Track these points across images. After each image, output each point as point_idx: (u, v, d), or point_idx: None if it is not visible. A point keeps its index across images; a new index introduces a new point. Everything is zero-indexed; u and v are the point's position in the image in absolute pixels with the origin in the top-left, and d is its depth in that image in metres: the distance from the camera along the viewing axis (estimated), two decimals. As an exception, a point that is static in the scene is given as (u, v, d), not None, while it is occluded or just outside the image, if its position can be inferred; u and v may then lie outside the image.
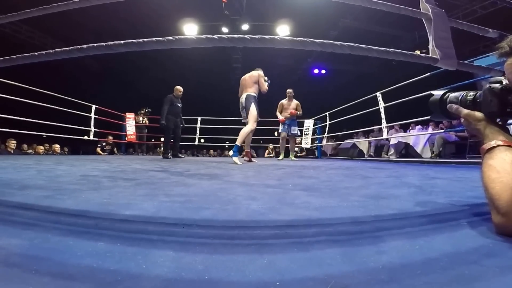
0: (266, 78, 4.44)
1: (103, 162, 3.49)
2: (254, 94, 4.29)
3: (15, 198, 1.02)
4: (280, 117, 5.80)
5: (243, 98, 4.29)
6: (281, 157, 5.99)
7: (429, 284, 0.41)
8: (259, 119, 4.30)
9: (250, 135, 4.36)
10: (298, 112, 5.83)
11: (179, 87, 6.09)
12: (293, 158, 6.10)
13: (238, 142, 3.95)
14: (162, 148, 10.23)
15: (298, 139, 9.19)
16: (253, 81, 4.32)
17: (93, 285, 0.40)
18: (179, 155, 6.31)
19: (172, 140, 6.11)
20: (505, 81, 0.75)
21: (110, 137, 8.59)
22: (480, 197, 0.81)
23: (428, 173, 2.38)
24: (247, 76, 4.45)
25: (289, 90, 5.89)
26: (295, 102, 5.87)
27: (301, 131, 8.43)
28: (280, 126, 5.95)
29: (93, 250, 0.54)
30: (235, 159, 3.70)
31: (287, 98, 5.91)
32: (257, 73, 4.40)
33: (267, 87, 4.39)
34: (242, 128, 4.23)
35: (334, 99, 8.95)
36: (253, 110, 4.14)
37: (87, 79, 12.49)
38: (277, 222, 0.77)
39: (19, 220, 0.75)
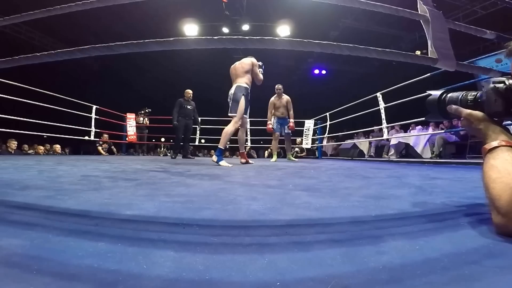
0: (260, 63, 3.87)
1: (104, 162, 3.49)
2: (245, 86, 3.65)
3: (16, 198, 1.02)
4: (269, 125, 5.42)
5: (231, 89, 3.68)
6: (274, 159, 5.45)
7: (429, 284, 0.41)
8: (247, 117, 3.78)
9: (242, 135, 3.97)
10: (289, 106, 5.46)
11: (187, 90, 6.42)
12: (291, 158, 5.79)
13: (221, 145, 3.47)
14: (162, 148, 10.28)
15: (298, 140, 9.20)
16: (245, 70, 3.69)
17: (94, 285, 0.40)
18: (189, 156, 6.38)
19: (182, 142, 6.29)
20: (508, 81, 0.74)
21: (105, 136, 8.51)
22: (480, 198, 0.81)
23: (429, 174, 2.38)
24: (237, 64, 3.80)
25: (278, 86, 5.46)
26: (285, 98, 5.50)
27: (301, 131, 8.44)
28: (272, 125, 5.57)
29: (94, 250, 0.54)
30: (222, 163, 3.26)
31: (276, 95, 5.50)
32: (250, 60, 3.75)
33: (262, 77, 3.82)
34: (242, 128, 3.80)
35: (334, 99, 8.94)
36: (241, 104, 3.54)
37: (87, 80, 12.51)
38: (277, 222, 0.78)
39: (20, 220, 0.76)
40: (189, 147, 6.62)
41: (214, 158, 3.42)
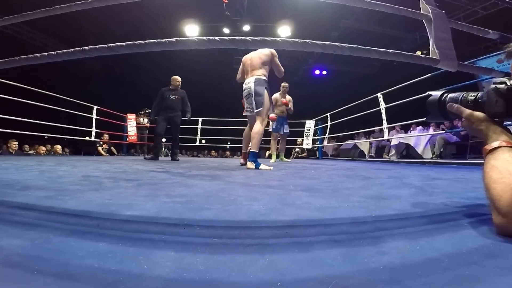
0: None
1: (105, 163, 3.49)
2: (264, 78, 3.23)
3: (17, 198, 1.02)
4: (272, 114, 4.97)
5: (249, 82, 3.22)
6: (273, 159, 5.23)
7: (430, 284, 0.41)
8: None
9: (249, 135, 3.48)
10: (290, 105, 5.43)
11: (174, 77, 5.31)
12: (284, 158, 5.71)
13: (254, 148, 3.06)
14: (163, 149, 10.27)
15: (299, 140, 9.20)
16: (262, 61, 3.28)
17: (95, 285, 0.40)
18: (177, 158, 5.28)
19: (166, 139, 5.42)
20: (509, 82, 0.74)
21: (106, 136, 8.52)
22: (481, 198, 0.81)
23: (429, 174, 2.38)
24: (253, 55, 3.38)
25: (285, 84, 5.39)
26: (288, 97, 5.52)
27: (302, 131, 8.44)
28: (270, 124, 5.39)
29: (94, 250, 0.54)
30: (262, 167, 2.91)
31: (280, 92, 5.42)
32: (269, 50, 3.33)
33: (283, 69, 3.45)
34: (244, 128, 3.56)
35: (335, 100, 8.96)
36: (266, 101, 3.16)
37: (88, 80, 12.53)
38: (278, 223, 0.78)
39: (20, 220, 0.76)
40: (177, 146, 5.41)
41: (250, 164, 2.95)
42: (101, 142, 8.42)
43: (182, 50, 5.71)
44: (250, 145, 3.31)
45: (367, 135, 8.83)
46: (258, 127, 3.12)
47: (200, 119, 8.26)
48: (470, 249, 0.56)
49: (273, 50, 3.37)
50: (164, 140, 9.22)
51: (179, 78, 5.27)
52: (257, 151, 3.09)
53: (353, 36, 8.95)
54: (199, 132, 8.26)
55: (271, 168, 2.96)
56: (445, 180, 1.90)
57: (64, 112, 6.17)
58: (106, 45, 0.97)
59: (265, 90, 3.18)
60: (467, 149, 5.52)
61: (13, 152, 6.67)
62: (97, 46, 0.99)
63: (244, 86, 3.32)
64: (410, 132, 7.16)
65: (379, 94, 5.50)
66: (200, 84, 13.11)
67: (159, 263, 0.48)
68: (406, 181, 1.82)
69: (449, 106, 0.85)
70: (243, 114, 3.50)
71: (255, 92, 3.16)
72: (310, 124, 8.36)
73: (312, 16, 8.74)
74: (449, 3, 7.52)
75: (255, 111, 3.18)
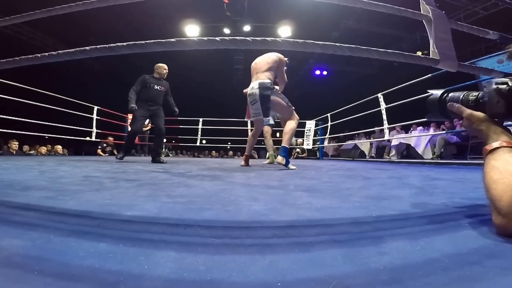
0: (286, 60, 3.34)
1: (105, 163, 3.49)
2: (269, 81, 3.09)
3: (17, 199, 1.02)
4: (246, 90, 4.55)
5: (254, 87, 3.09)
6: (270, 160, 4.49)
7: (430, 284, 0.41)
8: (266, 120, 3.28)
9: (252, 138, 3.58)
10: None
11: (160, 64, 4.59)
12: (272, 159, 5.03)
13: (285, 143, 2.99)
14: (164, 149, 10.25)
15: (299, 140, 9.20)
16: (269, 66, 3.15)
17: (95, 286, 0.40)
18: (160, 159, 4.16)
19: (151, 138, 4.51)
20: (511, 82, 0.74)
21: (111, 138, 8.58)
22: (481, 198, 0.81)
23: (429, 174, 2.38)
24: (260, 59, 3.26)
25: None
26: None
27: (302, 132, 8.44)
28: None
29: (95, 250, 0.54)
30: (291, 166, 2.90)
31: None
32: (276, 56, 3.20)
33: (286, 79, 3.38)
34: (245, 129, 3.61)
35: (335, 100, 8.96)
36: (279, 100, 3.09)
37: (89, 81, 12.56)
38: (278, 223, 0.78)
39: (21, 220, 0.76)
40: (161, 146, 4.58)
41: (281, 160, 2.88)
42: (105, 145, 8.43)
43: (182, 51, 5.68)
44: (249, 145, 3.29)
45: (368, 135, 8.83)
46: (291, 124, 3.11)
47: (201, 119, 8.25)
48: (470, 250, 0.56)
49: (281, 56, 3.24)
50: (164, 140, 9.08)
51: (165, 66, 4.58)
52: (288, 147, 3.03)
53: (354, 36, 8.96)
54: (199, 132, 8.26)
55: (296, 168, 2.94)
56: (445, 180, 1.90)
57: (65, 112, 6.16)
58: (106, 45, 0.97)
59: (276, 96, 3.09)
60: (468, 150, 5.52)
61: (14, 152, 6.67)
62: (98, 46, 0.99)
63: (249, 91, 3.19)
64: (411, 133, 7.16)
65: (379, 94, 5.49)
66: (200, 84, 13.13)
67: (159, 264, 0.48)
68: (407, 181, 1.82)
69: (449, 105, 0.85)
70: (250, 119, 3.39)
71: (261, 98, 3.03)
72: (310, 125, 8.36)
73: (312, 16, 8.75)
74: (449, 4, 7.53)
75: (255, 116, 3.16)
